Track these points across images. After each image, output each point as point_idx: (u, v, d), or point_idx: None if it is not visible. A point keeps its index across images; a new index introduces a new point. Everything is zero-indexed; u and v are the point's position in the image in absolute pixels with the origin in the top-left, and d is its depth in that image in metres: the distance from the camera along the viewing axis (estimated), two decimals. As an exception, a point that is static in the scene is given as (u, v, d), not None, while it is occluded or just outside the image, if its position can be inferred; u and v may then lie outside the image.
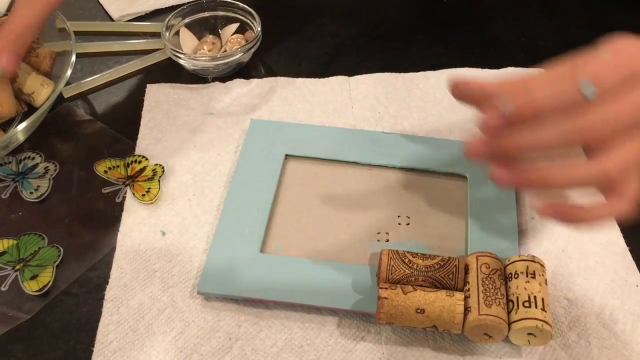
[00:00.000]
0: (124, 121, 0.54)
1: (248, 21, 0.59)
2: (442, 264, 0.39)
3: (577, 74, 0.34)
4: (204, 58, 0.56)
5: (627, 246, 0.45)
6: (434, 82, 0.57)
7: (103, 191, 0.49)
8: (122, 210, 0.47)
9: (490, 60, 0.51)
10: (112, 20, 0.65)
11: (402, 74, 0.57)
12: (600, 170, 0.35)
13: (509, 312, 0.38)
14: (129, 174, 0.50)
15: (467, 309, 0.37)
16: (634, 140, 0.35)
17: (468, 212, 0.46)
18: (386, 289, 0.38)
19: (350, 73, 0.57)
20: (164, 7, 0.66)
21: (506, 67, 0.58)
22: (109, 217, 0.47)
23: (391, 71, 0.58)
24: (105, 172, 0.50)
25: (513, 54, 0.52)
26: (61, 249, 0.45)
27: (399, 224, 0.46)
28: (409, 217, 0.46)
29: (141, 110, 0.55)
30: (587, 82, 0.34)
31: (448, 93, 0.55)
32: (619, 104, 0.34)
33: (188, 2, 0.62)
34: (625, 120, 0.34)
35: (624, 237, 0.45)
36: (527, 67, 0.57)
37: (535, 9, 0.65)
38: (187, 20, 0.59)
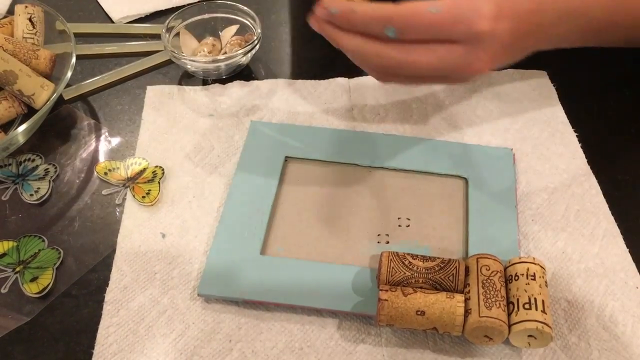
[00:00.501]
0: (124, 123, 0.54)
1: (248, 23, 0.59)
2: (442, 265, 0.39)
3: (392, 14, 0.40)
4: (204, 60, 0.56)
5: (627, 248, 0.45)
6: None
7: (103, 193, 0.49)
8: (122, 212, 0.47)
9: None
10: (112, 22, 0.65)
11: (402, 75, 0.57)
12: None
13: (509, 314, 0.38)
14: (129, 176, 0.50)
15: (467, 311, 0.37)
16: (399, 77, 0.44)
17: (468, 214, 0.46)
18: (386, 291, 0.38)
19: (351, 75, 0.57)
20: (164, 8, 0.66)
21: (506, 68, 0.58)
22: (108, 219, 0.47)
23: (391, 73, 0.58)
24: (105, 174, 0.50)
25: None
26: (61, 250, 0.45)
27: (399, 225, 0.46)
28: (409, 219, 0.46)
29: (141, 112, 0.55)
30: (393, 25, 0.40)
31: (449, 95, 0.56)
32: (415, 53, 0.41)
33: (188, 4, 0.62)
34: (411, 68, 0.41)
35: (624, 238, 0.45)
36: (527, 69, 0.58)
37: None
38: (187, 22, 0.59)
